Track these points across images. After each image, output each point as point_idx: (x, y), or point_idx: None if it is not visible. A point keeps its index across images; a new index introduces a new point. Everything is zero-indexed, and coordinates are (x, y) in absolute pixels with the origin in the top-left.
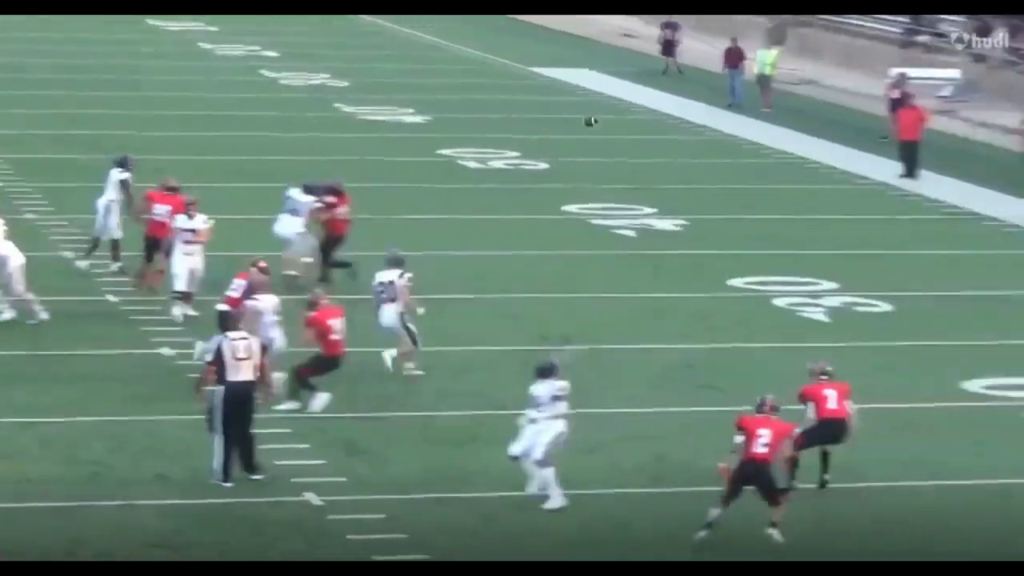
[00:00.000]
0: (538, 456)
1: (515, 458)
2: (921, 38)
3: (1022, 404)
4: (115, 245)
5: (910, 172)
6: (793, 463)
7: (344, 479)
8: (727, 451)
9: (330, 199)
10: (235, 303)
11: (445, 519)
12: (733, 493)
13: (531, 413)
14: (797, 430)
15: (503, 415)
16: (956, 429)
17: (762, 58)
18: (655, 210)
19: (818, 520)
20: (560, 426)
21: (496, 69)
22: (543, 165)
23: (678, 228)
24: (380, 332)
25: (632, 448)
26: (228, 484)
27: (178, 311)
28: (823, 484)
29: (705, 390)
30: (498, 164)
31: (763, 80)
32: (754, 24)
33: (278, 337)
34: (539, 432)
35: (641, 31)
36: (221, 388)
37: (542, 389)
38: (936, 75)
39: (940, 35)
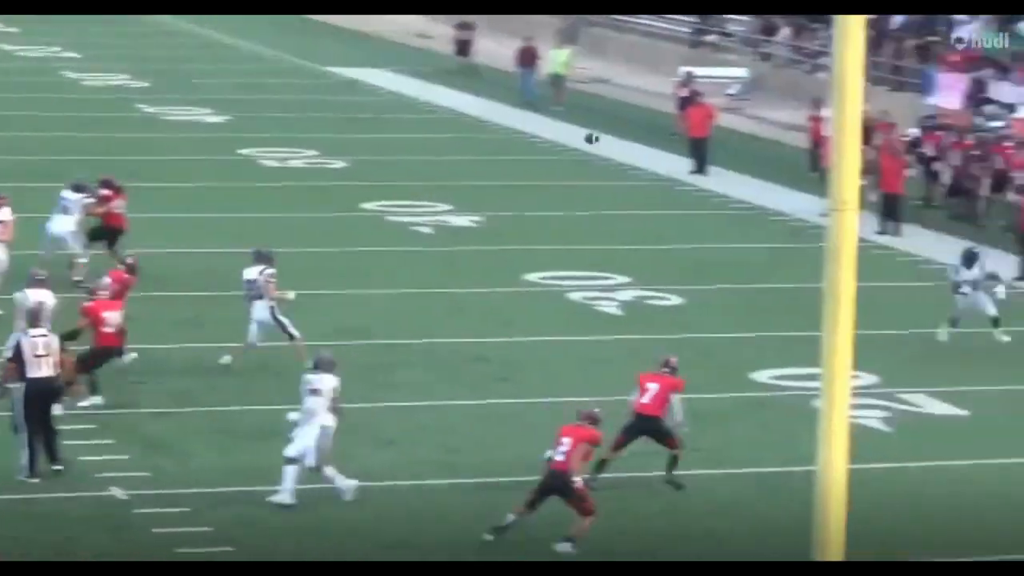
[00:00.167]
0: (311, 463)
1: (290, 460)
2: (709, 37)
3: (809, 394)
4: None
5: (700, 168)
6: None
7: (148, 473)
8: (521, 442)
9: (105, 192)
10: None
11: (248, 513)
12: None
13: (308, 402)
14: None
15: None
16: (745, 419)
17: (554, 57)
18: (451, 207)
19: (610, 514)
20: (320, 424)
21: (294, 69)
22: (341, 164)
23: (474, 224)
24: (256, 327)
25: (427, 440)
26: (34, 479)
27: None
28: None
29: (500, 383)
30: (297, 163)
31: (556, 79)
32: (547, 24)
33: None
34: (305, 435)
35: (435, 31)
36: (22, 385)
37: (318, 383)
38: (723, 74)
39: (727, 35)
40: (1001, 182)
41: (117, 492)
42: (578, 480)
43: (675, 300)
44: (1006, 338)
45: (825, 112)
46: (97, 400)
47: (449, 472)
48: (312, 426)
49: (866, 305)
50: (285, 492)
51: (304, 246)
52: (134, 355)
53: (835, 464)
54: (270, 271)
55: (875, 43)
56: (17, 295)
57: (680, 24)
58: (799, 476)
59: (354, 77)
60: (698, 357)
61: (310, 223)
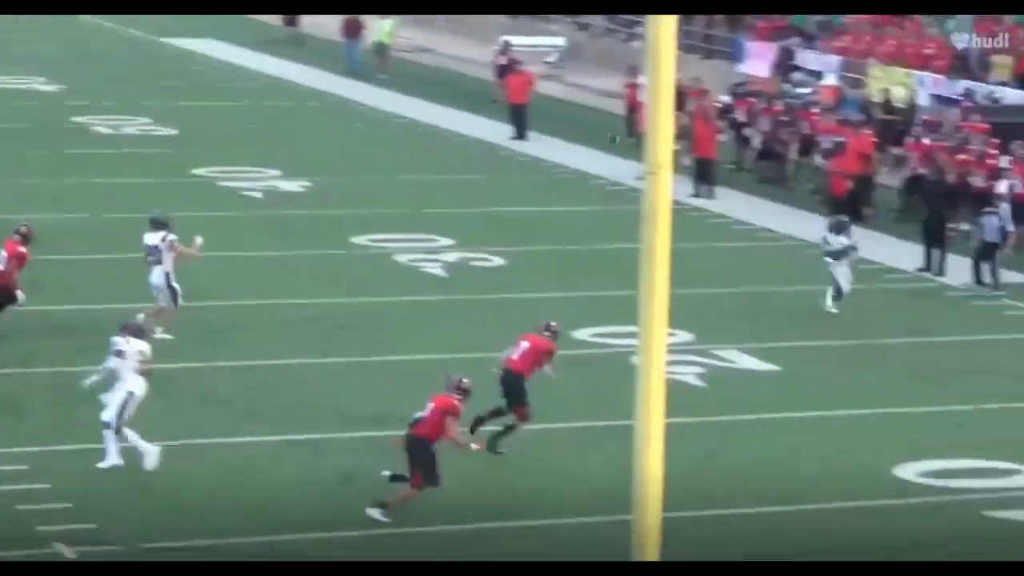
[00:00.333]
0: (106, 419)
1: (107, 424)
2: None
3: (627, 351)
4: None
5: (520, 133)
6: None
7: None
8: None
9: None
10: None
11: (85, 470)
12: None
13: (111, 363)
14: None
15: None
16: (566, 376)
17: (379, 27)
18: (280, 172)
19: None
20: (128, 388)
21: (126, 39)
22: (173, 131)
23: (303, 189)
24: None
25: (261, 399)
26: None
27: None
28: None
29: (330, 342)
30: (130, 130)
31: (380, 48)
32: None
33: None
34: (112, 397)
35: None
36: None
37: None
38: (542, 42)
39: None
40: (808, 146)
41: None
42: (474, 446)
43: (497, 261)
44: (835, 310)
45: (640, 79)
46: None
47: (283, 429)
48: (119, 389)
49: (681, 265)
50: (111, 455)
51: (137, 211)
52: None
53: (652, 418)
54: (172, 236)
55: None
56: None
57: None
58: (619, 430)
59: (187, 48)
60: (521, 316)
61: (143, 188)
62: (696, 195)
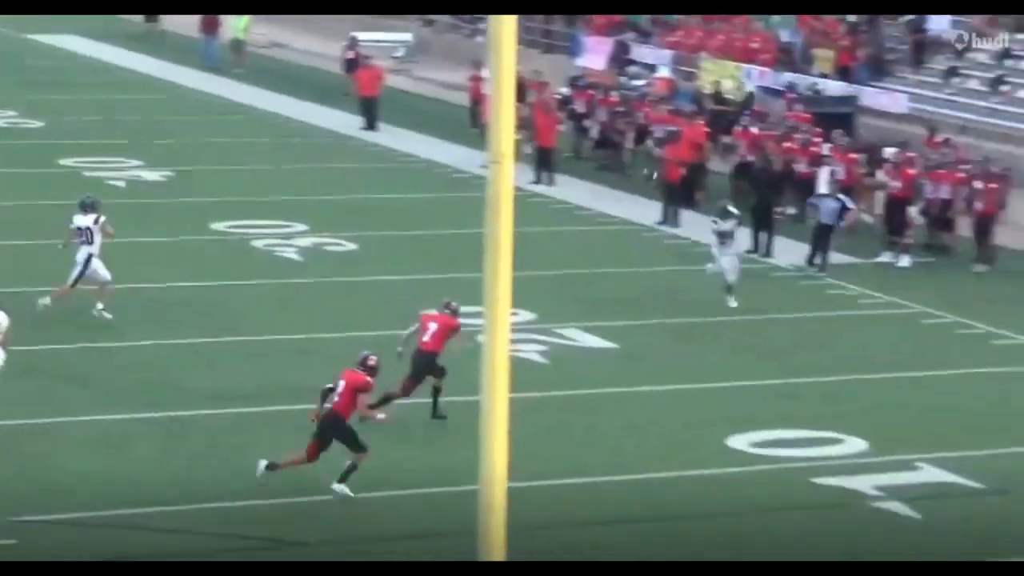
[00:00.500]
0: None
1: None
2: None
3: (473, 329)
4: None
5: (370, 125)
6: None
7: None
8: (212, 377)
9: None
10: None
11: None
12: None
13: None
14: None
15: None
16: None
17: (235, 23)
18: (142, 163)
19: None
20: None
21: None
22: (39, 123)
23: (164, 179)
24: (85, 270)
25: (123, 378)
26: None
27: None
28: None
29: (191, 324)
30: None
31: (236, 44)
32: None
33: None
34: None
35: None
36: None
37: None
38: (390, 38)
39: None
40: (643, 135)
41: None
42: (381, 416)
43: (350, 246)
44: (734, 303)
45: (484, 73)
46: None
47: (143, 407)
48: None
49: (523, 248)
50: None
51: (7, 200)
52: None
53: (498, 394)
54: (103, 218)
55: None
56: None
57: None
58: (467, 405)
59: (51, 43)
60: (372, 298)
61: (11, 178)
62: (537, 182)
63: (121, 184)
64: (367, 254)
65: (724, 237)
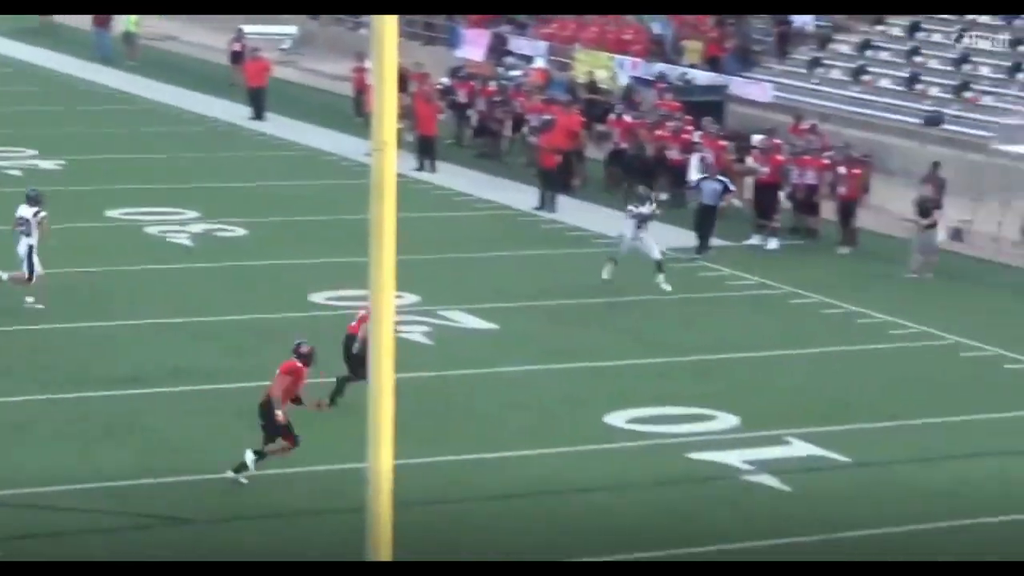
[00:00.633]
0: None
1: None
2: None
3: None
4: None
5: (258, 115)
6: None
7: None
8: (108, 360)
9: None
10: None
11: None
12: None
13: None
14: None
15: None
16: (307, 334)
17: (127, 17)
18: (37, 152)
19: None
20: None
21: None
22: None
23: (59, 167)
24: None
25: (21, 360)
26: None
27: None
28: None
29: (86, 308)
30: None
31: (128, 36)
32: None
33: None
34: None
35: None
36: None
37: None
38: (276, 30)
39: None
40: (520, 124)
41: None
42: (280, 413)
43: (240, 232)
44: (668, 287)
45: (367, 64)
46: None
47: (43, 389)
48: None
49: (407, 233)
50: None
51: None
52: None
53: (384, 373)
54: (43, 213)
55: None
56: None
57: None
58: (353, 385)
59: None
60: (262, 282)
61: None
62: (420, 169)
63: (18, 173)
64: (256, 240)
65: (643, 220)
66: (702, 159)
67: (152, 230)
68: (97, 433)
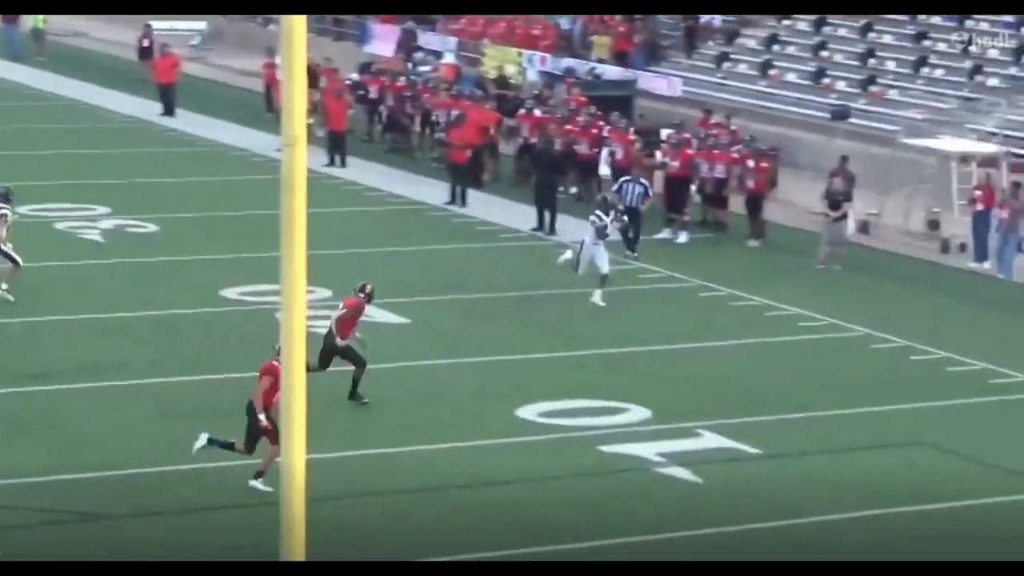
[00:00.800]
0: None
1: None
2: None
3: (272, 307)
4: None
5: (168, 111)
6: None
7: None
8: (30, 357)
9: None
10: None
11: None
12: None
13: None
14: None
15: None
16: (217, 329)
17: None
18: None
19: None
20: None
21: None
22: None
23: None
24: None
25: None
26: None
27: None
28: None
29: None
30: None
31: (37, 33)
32: None
33: None
34: None
35: None
36: None
37: None
38: (185, 26)
39: None
40: (428, 119)
41: None
42: (262, 417)
43: (151, 227)
44: (602, 303)
45: (277, 60)
46: None
47: None
48: None
49: (317, 228)
50: None
51: None
52: None
53: (296, 367)
54: (8, 213)
55: None
56: None
57: None
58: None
59: None
60: (174, 277)
61: None
62: (330, 164)
63: None
64: (167, 235)
65: (601, 233)
66: (611, 154)
67: (62, 226)
68: (6, 429)
